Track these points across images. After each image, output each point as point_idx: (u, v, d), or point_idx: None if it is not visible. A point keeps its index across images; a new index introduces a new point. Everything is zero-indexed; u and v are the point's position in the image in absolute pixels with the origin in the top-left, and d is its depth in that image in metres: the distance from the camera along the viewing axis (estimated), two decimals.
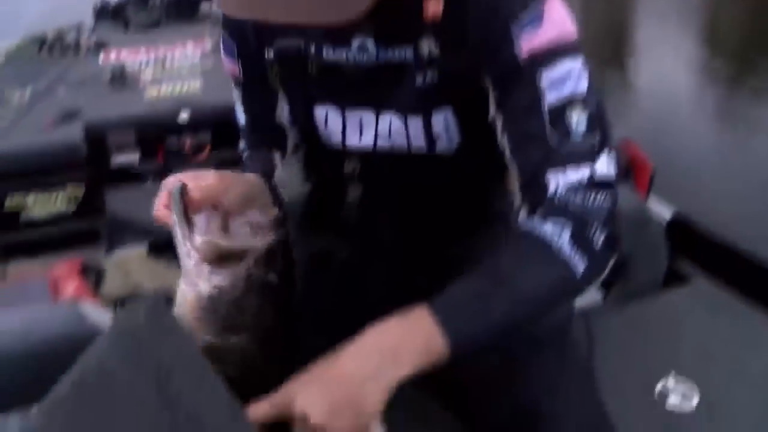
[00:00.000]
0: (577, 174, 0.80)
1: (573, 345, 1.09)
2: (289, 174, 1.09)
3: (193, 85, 2.60)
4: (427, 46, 0.86)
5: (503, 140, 0.85)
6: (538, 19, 0.80)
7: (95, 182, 2.17)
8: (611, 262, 0.82)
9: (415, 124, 0.92)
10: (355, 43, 0.89)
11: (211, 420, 0.54)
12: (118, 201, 2.11)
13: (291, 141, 1.07)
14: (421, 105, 0.90)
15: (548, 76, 0.81)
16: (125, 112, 2.37)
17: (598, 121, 0.82)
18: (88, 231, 2.12)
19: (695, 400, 1.12)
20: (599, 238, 0.78)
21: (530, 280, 0.78)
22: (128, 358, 0.57)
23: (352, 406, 0.68)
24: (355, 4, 0.71)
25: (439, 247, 1.07)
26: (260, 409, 0.70)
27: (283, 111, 1.03)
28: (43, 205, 2.12)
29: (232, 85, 1.06)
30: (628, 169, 1.81)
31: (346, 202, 1.06)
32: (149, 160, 2.36)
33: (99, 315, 1.03)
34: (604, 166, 0.81)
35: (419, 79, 0.88)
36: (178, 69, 2.87)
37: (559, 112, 0.80)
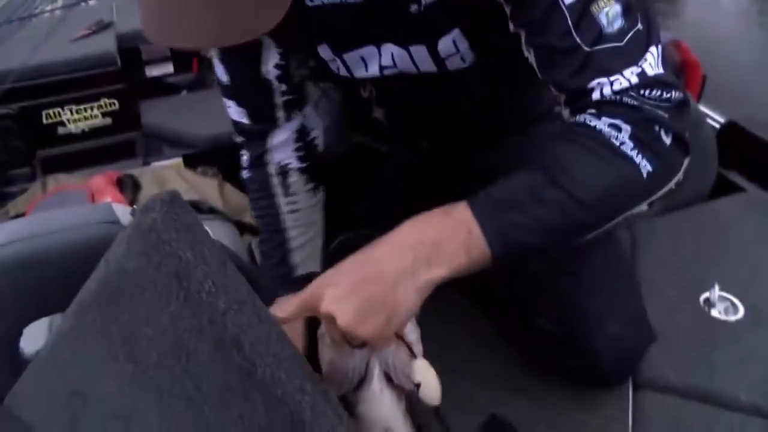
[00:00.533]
0: (624, 78, 0.68)
1: (618, 245, 1.06)
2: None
3: None
4: None
5: (530, 55, 0.75)
6: None
7: (130, 94, 2.15)
8: (684, 166, 0.71)
9: (419, 51, 0.85)
10: None
11: (233, 317, 0.53)
12: (153, 113, 2.10)
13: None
14: (422, 32, 0.82)
15: None
16: None
17: (636, 12, 0.69)
18: (124, 143, 2.12)
19: (741, 312, 1.08)
20: (666, 138, 0.68)
21: (591, 175, 0.67)
22: (147, 256, 0.55)
23: (383, 306, 0.63)
24: (267, 18, 0.60)
25: (474, 153, 1.04)
26: (286, 307, 0.67)
27: (269, 64, 0.96)
28: (79, 118, 2.12)
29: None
30: (677, 73, 1.70)
31: (373, 117, 1.04)
32: (183, 71, 2.32)
33: (131, 217, 1.03)
34: (653, 63, 0.69)
35: (414, 6, 0.78)
36: None
37: (583, 10, 0.68)
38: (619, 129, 0.67)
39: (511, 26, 0.75)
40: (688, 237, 1.27)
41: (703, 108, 1.58)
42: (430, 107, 0.97)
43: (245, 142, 1.05)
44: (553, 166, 0.68)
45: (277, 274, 1.01)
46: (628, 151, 0.67)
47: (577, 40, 0.68)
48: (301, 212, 1.02)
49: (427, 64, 0.86)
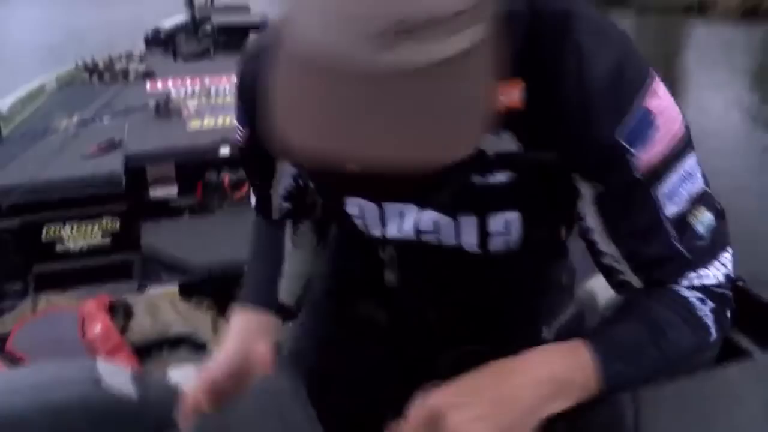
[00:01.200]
0: (710, 273, 0.75)
1: (620, 411, 1.01)
2: (305, 244, 1.04)
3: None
4: (496, 141, 0.73)
5: (610, 249, 0.76)
6: (647, 123, 0.69)
7: (132, 215, 2.16)
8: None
9: (468, 222, 0.82)
10: None
11: None
12: (154, 235, 2.10)
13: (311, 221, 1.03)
14: (478, 205, 0.80)
15: (667, 185, 0.71)
16: (166, 145, 2.37)
17: (721, 217, 0.76)
18: (122, 264, 2.10)
19: None
20: (729, 314, 0.77)
21: (680, 339, 0.74)
22: None
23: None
24: (464, 142, 0.55)
25: (486, 317, 1.01)
26: (403, 428, 0.65)
27: (279, 186, 0.95)
28: (79, 236, 2.12)
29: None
30: None
31: (383, 280, 0.99)
32: (187, 194, 2.35)
33: (116, 376, 0.99)
34: (729, 258, 0.77)
35: (477, 178, 0.76)
36: (223, 101, 2.88)
37: (684, 221, 0.72)
38: (704, 302, 0.75)
39: (591, 221, 0.76)
40: (695, 407, 1.22)
41: None
42: (455, 277, 0.94)
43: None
44: (655, 329, 0.74)
45: (256, 288, 0.98)
46: (710, 323, 0.75)
47: (678, 246, 0.73)
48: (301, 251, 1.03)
49: (471, 237, 0.83)
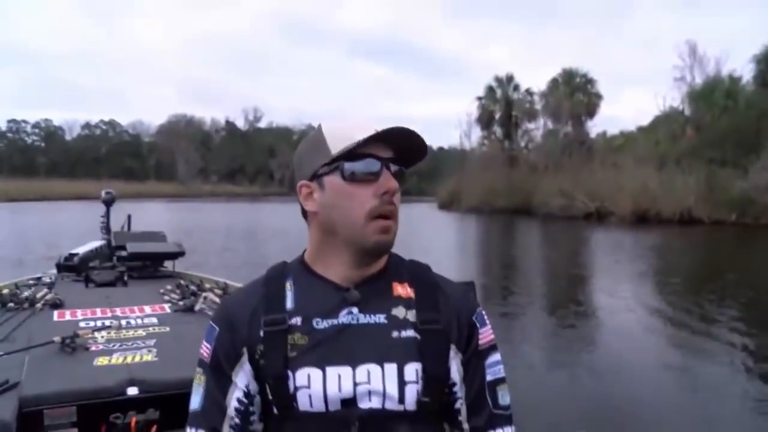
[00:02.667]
0: None
1: None
2: None
3: (145, 356, 2.50)
4: (401, 312, 1.19)
5: (459, 402, 1.21)
6: (484, 320, 1.25)
7: None
8: None
9: (391, 370, 1.14)
10: (344, 312, 1.17)
11: None
12: None
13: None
14: (395, 354, 1.15)
15: (490, 361, 1.23)
16: (70, 385, 2.22)
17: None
18: None
19: None
20: None
21: None
22: None
23: None
24: None
25: None
26: None
27: (231, 402, 1.19)
28: None
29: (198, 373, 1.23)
30: None
31: None
32: None
33: None
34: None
35: (395, 333, 1.16)
36: (133, 334, 2.79)
37: (494, 388, 1.22)
38: None
39: (455, 376, 1.21)
40: None
41: None
42: None
43: None
44: None
45: None
46: None
47: (490, 404, 1.22)
48: None
49: (393, 386, 1.14)
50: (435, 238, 21.89)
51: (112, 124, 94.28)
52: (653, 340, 8.13)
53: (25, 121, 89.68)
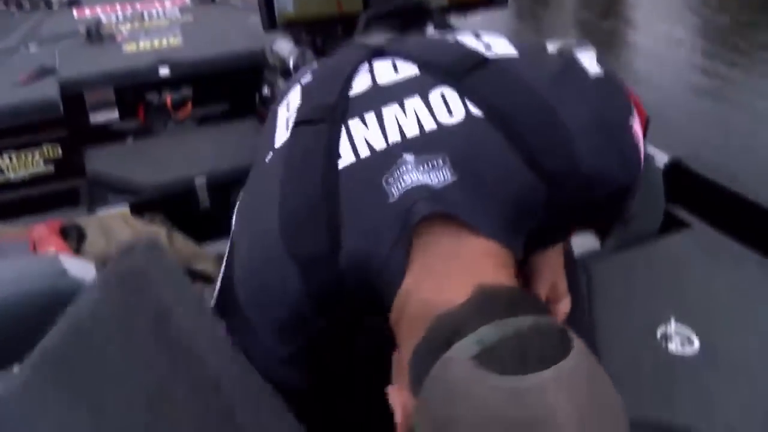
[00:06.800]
0: None
1: (574, 288, 1.07)
2: None
3: (172, 41, 2.51)
4: None
5: None
6: None
7: (74, 141, 2.09)
8: None
9: None
10: None
11: (212, 360, 0.50)
12: (98, 160, 2.04)
13: None
14: None
15: None
16: (102, 69, 2.28)
17: None
18: (68, 191, 2.05)
19: (696, 345, 1.11)
20: None
21: None
22: (125, 301, 0.53)
23: None
24: None
25: None
26: None
27: None
28: (20, 165, 2.05)
29: None
30: None
31: None
32: (129, 117, 2.28)
33: (80, 268, 0.98)
34: None
35: None
36: (157, 24, 2.78)
37: None
38: None
39: None
40: (642, 274, 1.29)
41: (647, 149, 1.63)
42: None
43: None
44: None
45: None
46: None
47: None
48: None
49: None
50: None
51: None
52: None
53: None
